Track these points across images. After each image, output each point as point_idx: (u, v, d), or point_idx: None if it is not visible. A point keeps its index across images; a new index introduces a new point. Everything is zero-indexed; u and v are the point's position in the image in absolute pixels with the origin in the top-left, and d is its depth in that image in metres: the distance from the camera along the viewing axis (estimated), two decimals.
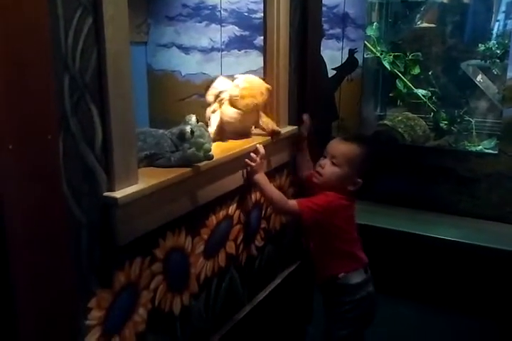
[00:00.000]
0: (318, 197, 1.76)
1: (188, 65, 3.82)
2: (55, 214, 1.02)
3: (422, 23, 3.45)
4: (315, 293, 2.18)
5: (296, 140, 2.01)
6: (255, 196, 1.85)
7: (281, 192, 1.79)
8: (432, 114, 3.39)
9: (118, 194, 1.19)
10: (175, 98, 3.86)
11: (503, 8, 3.24)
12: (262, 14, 1.90)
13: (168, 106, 3.85)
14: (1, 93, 0.88)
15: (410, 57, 3.37)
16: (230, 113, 1.74)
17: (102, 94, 1.14)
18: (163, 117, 3.77)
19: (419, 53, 3.37)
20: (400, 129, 3.27)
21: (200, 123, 1.47)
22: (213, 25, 3.68)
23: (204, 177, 1.50)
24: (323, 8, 2.46)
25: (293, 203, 1.73)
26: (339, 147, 1.80)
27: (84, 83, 1.10)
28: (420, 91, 3.38)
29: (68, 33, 1.05)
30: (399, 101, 3.53)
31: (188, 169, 1.41)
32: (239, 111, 1.73)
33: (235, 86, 1.74)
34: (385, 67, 3.40)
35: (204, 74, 3.77)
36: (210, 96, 1.80)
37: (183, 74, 3.85)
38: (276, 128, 1.85)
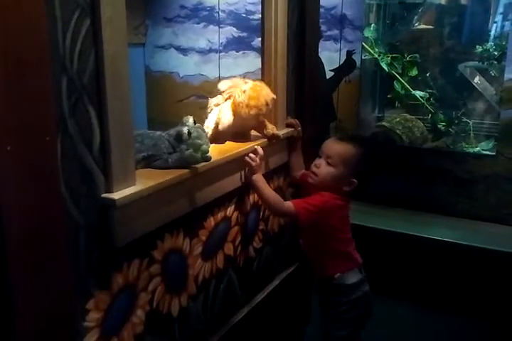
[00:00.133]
0: (313, 197, 1.76)
1: (186, 67, 3.83)
2: (53, 215, 1.02)
3: (419, 24, 3.46)
4: (313, 294, 2.18)
5: (291, 140, 2.02)
6: (253, 197, 1.85)
7: (279, 192, 1.79)
8: (430, 115, 3.40)
9: (116, 195, 1.19)
10: (173, 99, 3.86)
11: (500, 9, 3.24)
12: (260, 15, 1.90)
13: (166, 108, 3.86)
14: None
15: (408, 58, 3.38)
16: (228, 116, 1.73)
17: (99, 95, 1.14)
18: (161, 118, 3.77)
19: (417, 55, 3.37)
20: (397, 131, 3.28)
21: (197, 124, 1.47)
22: (211, 26, 3.68)
23: (202, 178, 1.50)
24: (321, 10, 2.46)
25: (289, 205, 1.72)
26: (334, 147, 1.80)
27: (82, 85, 1.10)
28: (418, 93, 3.39)
29: (66, 35, 1.05)
30: (397, 103, 3.54)
31: (186, 170, 1.41)
32: (238, 117, 1.71)
33: (242, 92, 1.70)
34: (383, 69, 3.40)
35: (202, 75, 3.77)
36: (223, 85, 1.77)
37: (181, 76, 3.86)
38: (276, 132, 1.85)
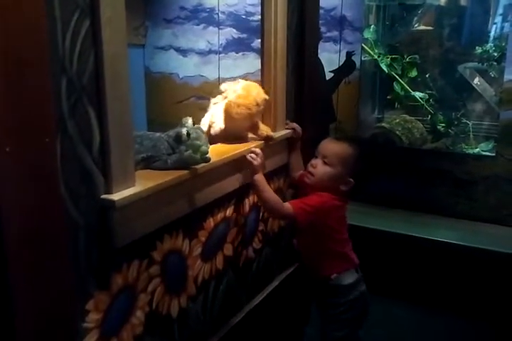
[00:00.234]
0: (311, 197, 1.76)
1: (185, 68, 3.83)
2: (52, 216, 1.02)
3: (419, 25, 3.46)
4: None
5: (290, 141, 2.02)
6: (253, 198, 1.85)
7: (280, 194, 1.79)
8: (430, 116, 3.40)
9: (115, 196, 1.19)
10: (173, 100, 3.86)
11: (500, 10, 3.24)
12: (260, 17, 1.90)
13: (165, 109, 3.86)
14: None
15: (408, 59, 3.38)
16: (219, 117, 1.73)
17: (99, 96, 1.14)
18: (161, 119, 3.77)
19: (417, 56, 3.37)
20: (397, 132, 3.28)
21: (196, 125, 1.47)
22: (211, 27, 3.68)
23: (201, 179, 1.50)
24: (321, 11, 2.46)
25: (288, 206, 1.71)
26: (331, 147, 1.80)
27: (82, 85, 1.10)
28: (418, 94, 3.39)
29: (66, 35, 1.05)
30: (396, 104, 3.53)
31: (185, 171, 1.41)
32: (230, 117, 1.71)
33: (234, 91, 1.71)
34: (383, 70, 3.40)
35: (202, 76, 3.77)
36: (223, 86, 1.78)
37: (180, 77, 3.86)
38: (270, 133, 1.85)
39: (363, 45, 3.33)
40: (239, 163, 1.68)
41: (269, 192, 1.71)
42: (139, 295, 1.35)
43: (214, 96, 1.81)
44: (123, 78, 1.19)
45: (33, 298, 1.00)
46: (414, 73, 3.39)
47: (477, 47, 3.21)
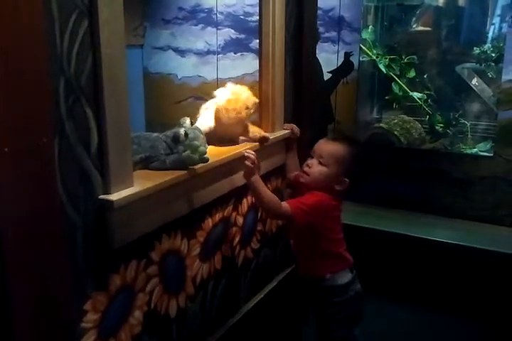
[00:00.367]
0: (307, 197, 1.75)
1: (184, 68, 3.82)
2: (50, 216, 1.03)
3: (417, 26, 3.46)
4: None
5: (287, 141, 2.02)
6: (251, 199, 1.85)
7: (277, 194, 1.79)
8: (428, 116, 3.40)
9: (113, 197, 1.19)
10: (171, 101, 3.86)
11: (498, 11, 3.24)
12: (258, 17, 1.90)
13: (164, 109, 3.85)
14: None
15: (406, 60, 3.38)
16: (209, 121, 1.73)
17: (97, 97, 1.15)
18: (159, 120, 3.77)
19: (415, 56, 3.37)
20: (395, 132, 3.28)
21: (194, 125, 1.47)
22: (209, 28, 3.68)
23: (199, 179, 1.50)
24: (319, 12, 2.47)
25: (286, 206, 1.71)
26: (326, 146, 1.80)
27: (80, 86, 1.11)
28: (416, 94, 3.39)
29: (64, 36, 1.05)
30: (395, 104, 3.53)
31: (184, 172, 1.42)
32: (220, 122, 1.71)
33: (223, 95, 1.71)
34: (381, 70, 3.40)
35: (200, 77, 3.77)
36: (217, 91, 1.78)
37: (179, 77, 3.86)
38: (264, 134, 1.85)
39: (361, 45, 3.33)
40: (237, 164, 1.68)
41: (266, 192, 1.70)
42: (137, 295, 1.35)
43: (213, 97, 1.81)
44: (121, 79, 1.19)
45: (30, 299, 1.00)
46: (412, 74, 3.39)
47: (475, 48, 3.21)
